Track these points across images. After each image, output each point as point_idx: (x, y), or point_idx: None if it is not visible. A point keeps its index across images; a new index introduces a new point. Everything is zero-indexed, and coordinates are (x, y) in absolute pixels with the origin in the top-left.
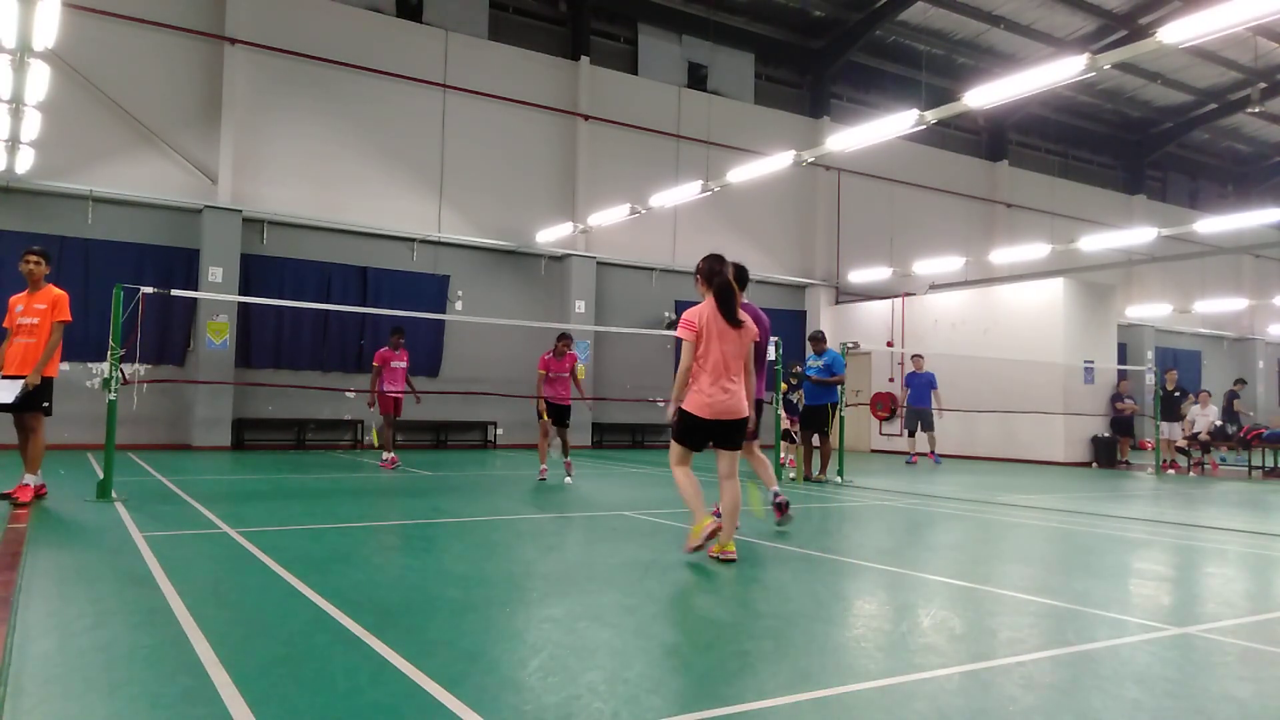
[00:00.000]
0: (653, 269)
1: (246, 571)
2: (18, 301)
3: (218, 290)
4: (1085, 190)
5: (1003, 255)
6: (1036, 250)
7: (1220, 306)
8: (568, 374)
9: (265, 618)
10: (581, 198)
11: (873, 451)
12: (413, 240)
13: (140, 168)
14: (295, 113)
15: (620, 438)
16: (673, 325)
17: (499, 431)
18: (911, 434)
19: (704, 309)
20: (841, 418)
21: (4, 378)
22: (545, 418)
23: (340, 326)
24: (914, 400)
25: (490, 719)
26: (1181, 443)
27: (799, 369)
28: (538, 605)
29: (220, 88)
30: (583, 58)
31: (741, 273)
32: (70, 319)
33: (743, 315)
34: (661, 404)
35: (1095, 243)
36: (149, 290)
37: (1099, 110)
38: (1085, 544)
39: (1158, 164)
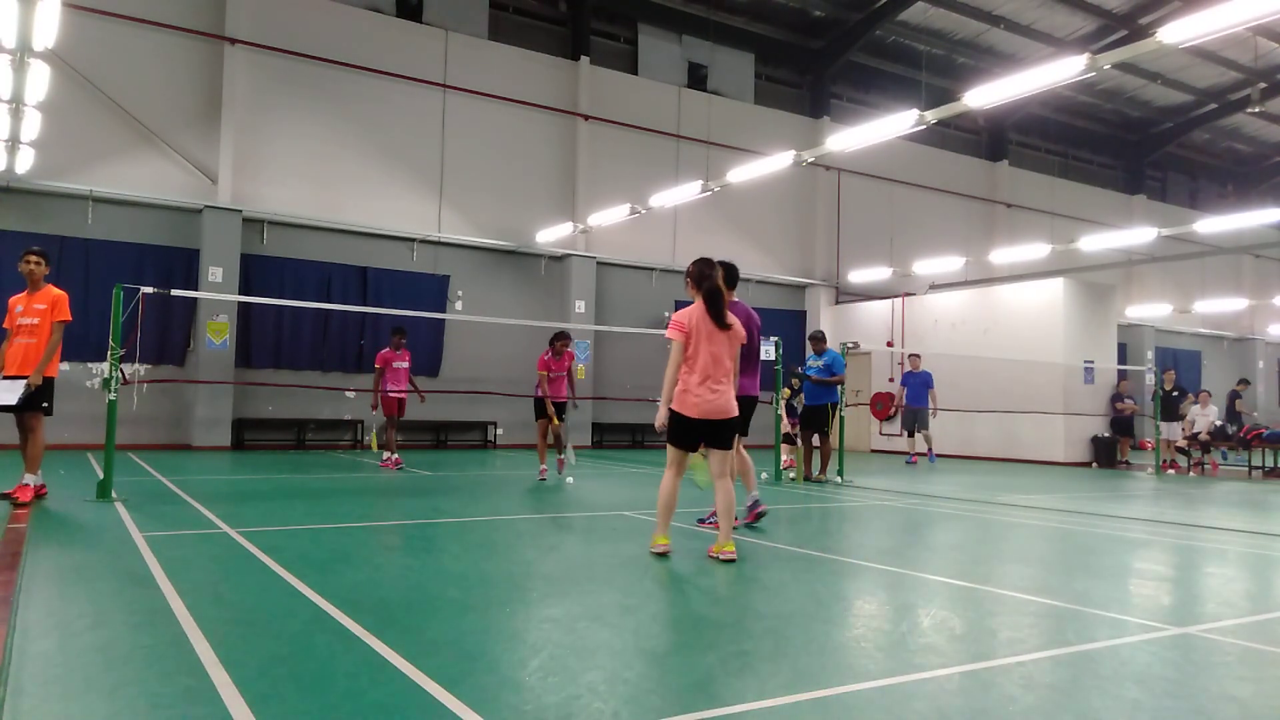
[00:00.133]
0: (653, 269)
1: (246, 571)
2: (17, 302)
3: (218, 290)
4: (1085, 190)
5: (1003, 255)
6: (1036, 250)
7: (1220, 306)
8: (565, 373)
9: (265, 618)
10: (581, 198)
11: (873, 451)
12: (413, 240)
13: (140, 168)
14: (295, 113)
15: (620, 438)
16: None
17: (499, 431)
18: (910, 434)
19: (693, 311)
20: (841, 418)
21: (5, 378)
22: (555, 421)
23: (340, 326)
24: (910, 400)
25: (490, 719)
26: (1181, 443)
27: (799, 370)
28: (538, 605)
29: (220, 88)
30: (583, 58)
31: (731, 272)
32: (70, 319)
33: (731, 318)
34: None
35: (1095, 243)
36: (149, 290)
37: (1099, 110)
38: (1085, 544)
39: (1158, 164)
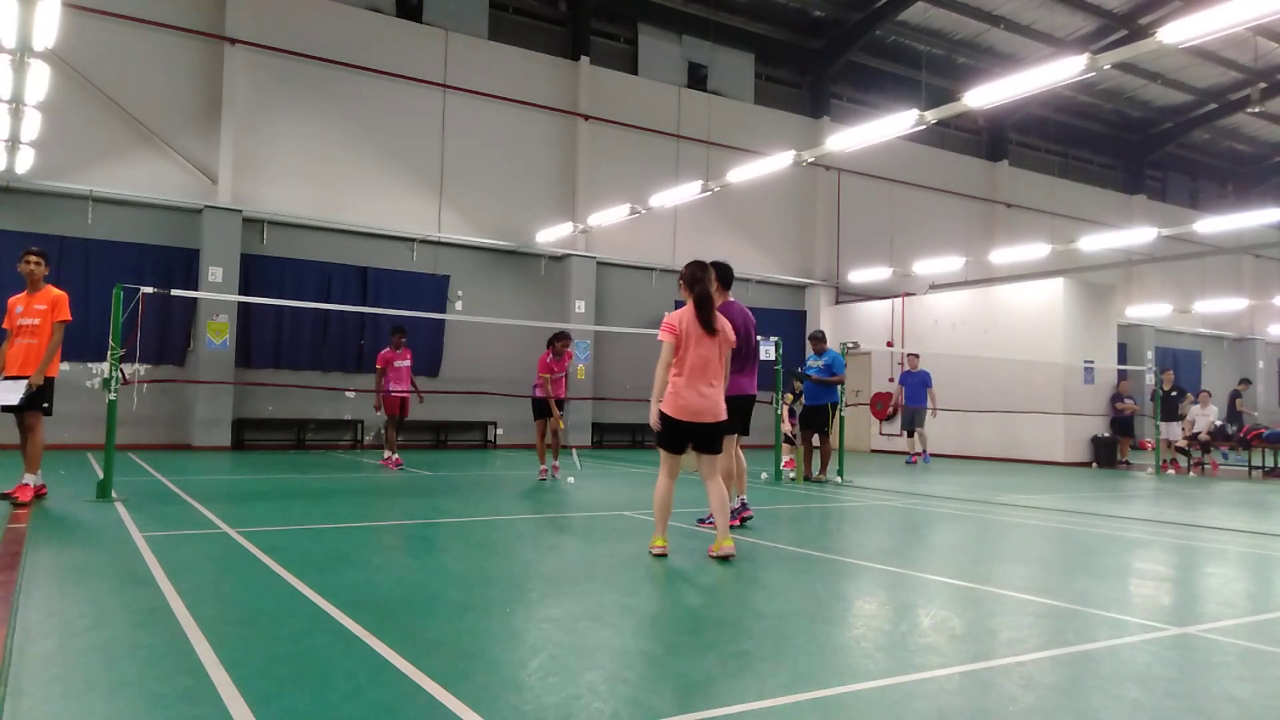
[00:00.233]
0: (653, 269)
1: (246, 571)
2: (17, 303)
3: (218, 290)
4: (1085, 190)
5: (1003, 255)
6: (1036, 250)
7: (1220, 306)
8: (564, 373)
9: (265, 618)
10: (581, 198)
11: (873, 451)
12: (413, 240)
13: (140, 168)
14: (295, 113)
15: (620, 438)
16: None
17: (499, 431)
18: (910, 434)
19: (685, 313)
20: (841, 418)
21: (6, 379)
22: (561, 423)
23: (340, 326)
24: (908, 399)
25: (490, 719)
26: (1181, 443)
27: (799, 370)
28: (538, 605)
29: (220, 88)
30: (583, 58)
31: (725, 272)
32: (70, 319)
33: (721, 323)
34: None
35: (1095, 243)
36: (149, 290)
37: (1099, 110)
38: (1085, 544)
39: (1158, 164)
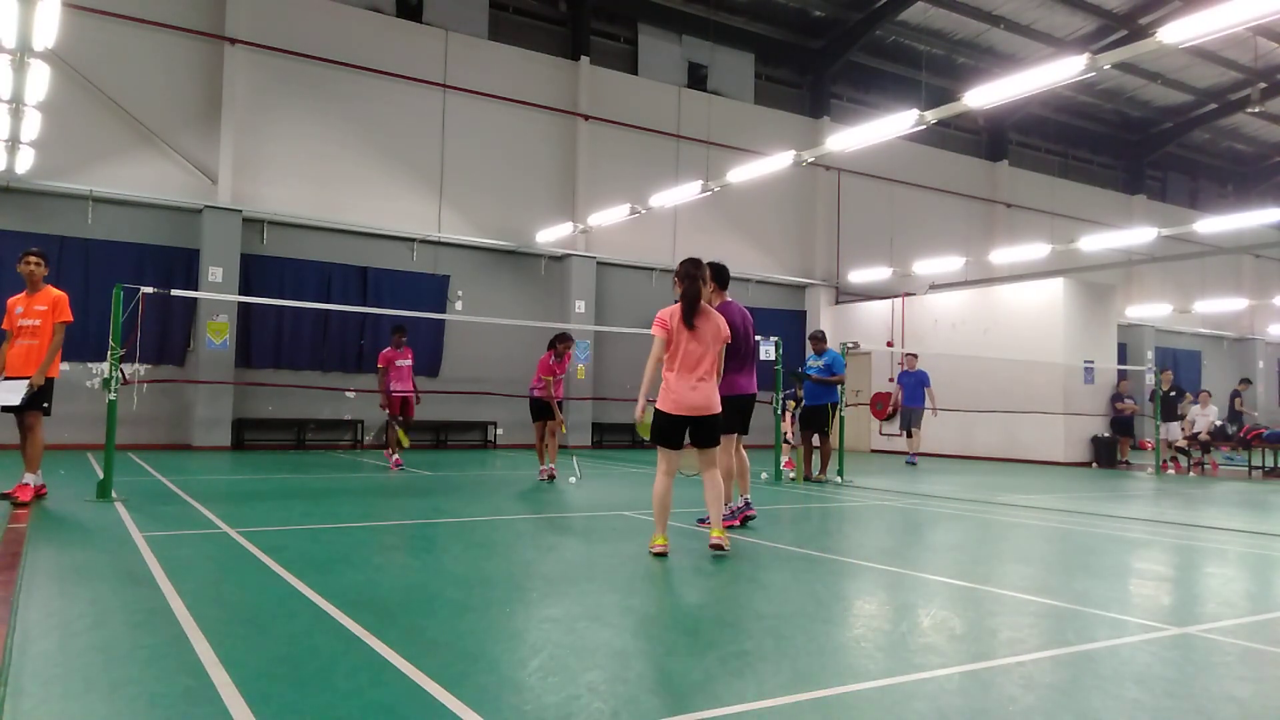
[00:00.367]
0: (653, 269)
1: (246, 571)
2: (17, 303)
3: (218, 290)
4: (1085, 190)
5: (1003, 255)
6: (1036, 250)
7: (1220, 306)
8: (563, 374)
9: (265, 618)
10: (581, 198)
11: (873, 451)
12: (413, 240)
13: (140, 168)
14: (295, 113)
15: (620, 438)
16: None
17: (499, 431)
18: (908, 434)
19: (677, 309)
20: (841, 418)
21: (7, 379)
22: (564, 428)
23: (340, 326)
24: (906, 399)
25: (490, 719)
26: (1181, 443)
27: (799, 370)
28: (538, 605)
29: (220, 88)
30: (583, 58)
31: (721, 272)
32: (71, 319)
33: (712, 320)
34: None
35: (1095, 243)
36: (149, 290)
37: (1099, 110)
38: (1085, 544)
39: (1158, 164)
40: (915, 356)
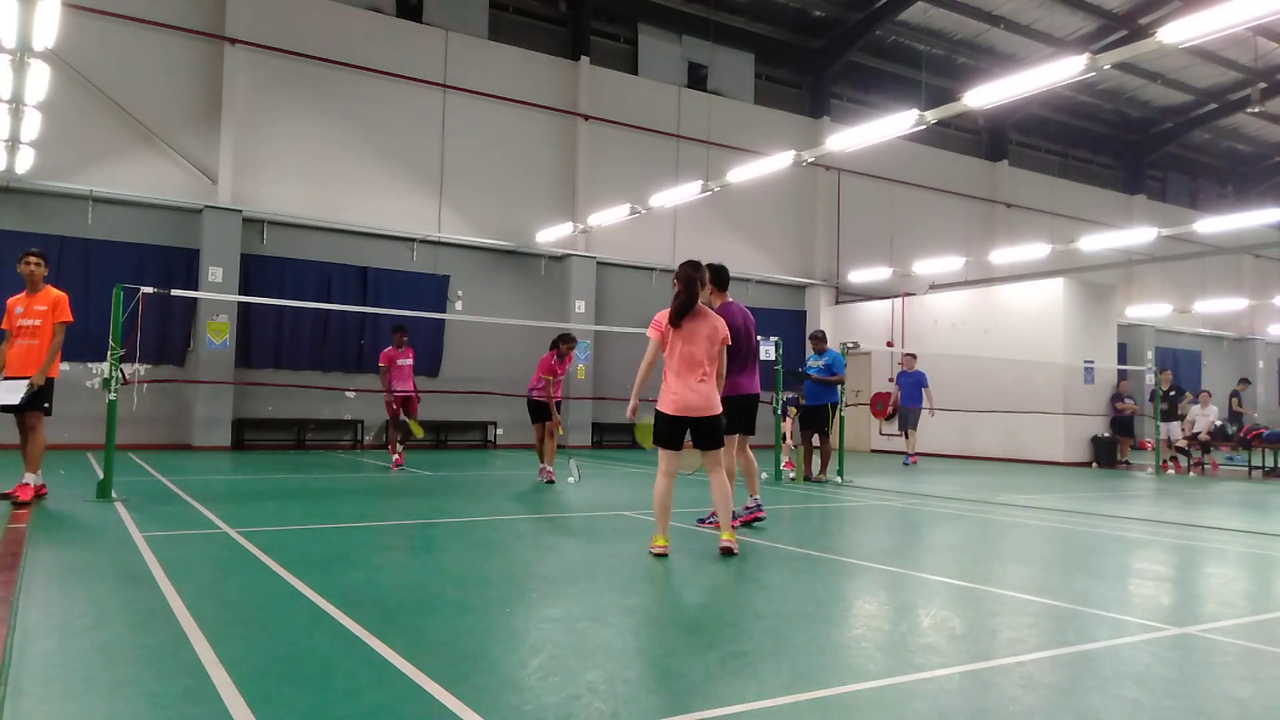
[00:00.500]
0: (653, 269)
1: (246, 571)
2: (16, 303)
3: (218, 290)
4: (1085, 190)
5: (1003, 255)
6: (1036, 250)
7: (1220, 306)
8: (564, 375)
9: (265, 618)
10: (581, 198)
11: (873, 451)
12: (413, 240)
13: (140, 168)
14: (295, 113)
15: (620, 438)
16: None
17: (499, 431)
18: (906, 434)
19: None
20: (841, 418)
21: (6, 379)
22: (560, 429)
23: (340, 326)
24: (904, 399)
25: (490, 719)
26: (1181, 442)
27: (799, 370)
28: (538, 605)
29: (220, 88)
30: (583, 58)
31: (720, 273)
32: (71, 319)
33: (710, 320)
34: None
35: (1095, 243)
36: (149, 290)
37: (1099, 110)
38: (1085, 544)
39: (1158, 164)
40: (914, 357)
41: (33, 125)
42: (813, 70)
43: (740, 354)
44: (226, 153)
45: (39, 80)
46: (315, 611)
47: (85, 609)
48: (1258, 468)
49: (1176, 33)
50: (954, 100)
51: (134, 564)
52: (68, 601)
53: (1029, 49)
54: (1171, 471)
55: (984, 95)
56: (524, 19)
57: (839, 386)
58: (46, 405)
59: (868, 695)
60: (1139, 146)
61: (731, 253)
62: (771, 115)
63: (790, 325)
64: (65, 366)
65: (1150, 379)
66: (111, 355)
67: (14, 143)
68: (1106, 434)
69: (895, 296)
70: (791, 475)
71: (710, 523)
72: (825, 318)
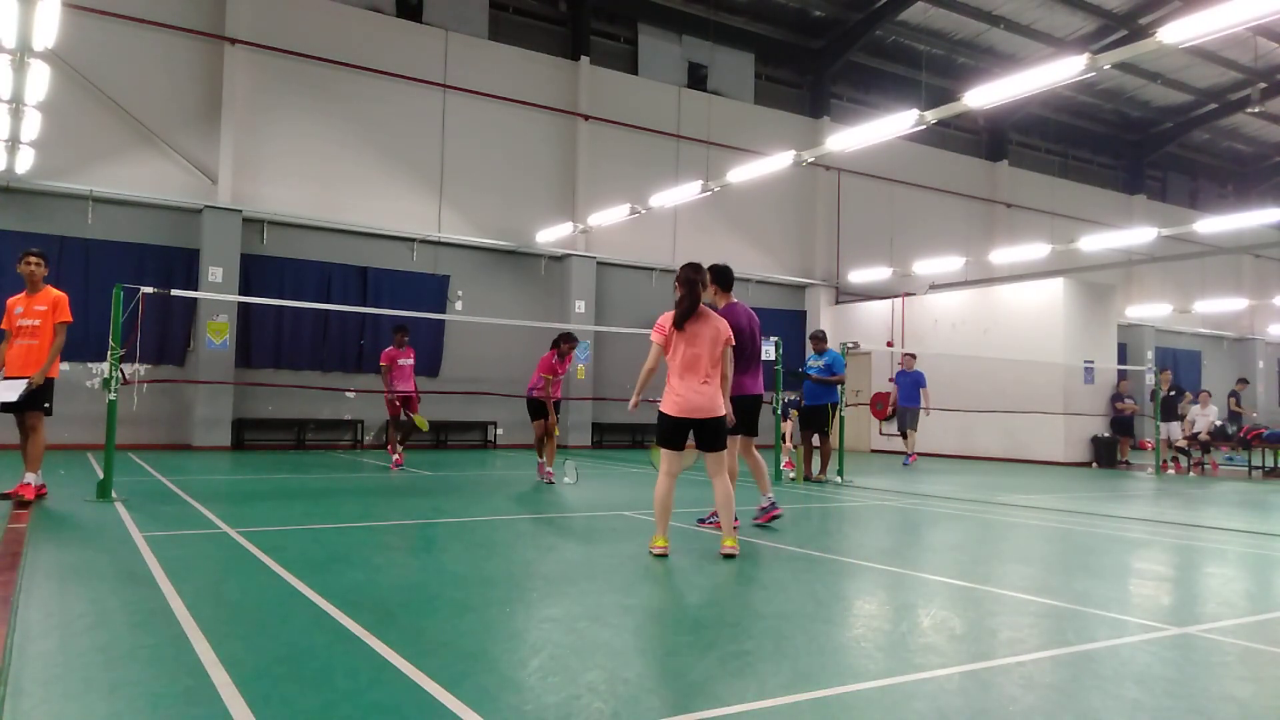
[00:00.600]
0: (653, 269)
1: (246, 571)
2: (16, 303)
3: (218, 290)
4: (1085, 190)
5: (1003, 255)
6: (1036, 250)
7: (1220, 306)
8: (564, 374)
9: (265, 618)
10: (581, 198)
11: (873, 451)
12: (413, 240)
13: (140, 168)
14: (295, 113)
15: (620, 438)
16: None
17: (499, 431)
18: (904, 434)
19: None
20: (841, 418)
21: (6, 379)
22: (557, 429)
23: (340, 326)
24: (902, 399)
25: (490, 719)
26: (1181, 443)
27: (799, 370)
28: (538, 605)
29: (220, 88)
30: (583, 58)
31: (724, 274)
32: (71, 319)
33: (713, 322)
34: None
35: (1095, 243)
36: (149, 290)
37: (1099, 110)
38: (1085, 544)
39: (1158, 164)
40: (913, 357)
41: (33, 125)
42: (813, 70)
43: (743, 354)
44: (226, 153)
45: (39, 80)
46: (315, 611)
47: (85, 609)
48: (1258, 468)
49: (1176, 33)
50: (954, 100)
51: (134, 564)
52: (68, 601)
53: (1029, 49)
54: (1171, 471)
55: (984, 95)
56: (524, 19)
57: (839, 386)
58: (47, 405)
59: (868, 695)
60: (1139, 146)
61: (731, 253)
62: (771, 115)
63: (790, 325)
64: (65, 366)
65: (1150, 379)
66: (111, 355)
67: (14, 143)
68: (1106, 434)
69: (895, 296)
70: (791, 475)
71: (711, 523)
72: (825, 318)
